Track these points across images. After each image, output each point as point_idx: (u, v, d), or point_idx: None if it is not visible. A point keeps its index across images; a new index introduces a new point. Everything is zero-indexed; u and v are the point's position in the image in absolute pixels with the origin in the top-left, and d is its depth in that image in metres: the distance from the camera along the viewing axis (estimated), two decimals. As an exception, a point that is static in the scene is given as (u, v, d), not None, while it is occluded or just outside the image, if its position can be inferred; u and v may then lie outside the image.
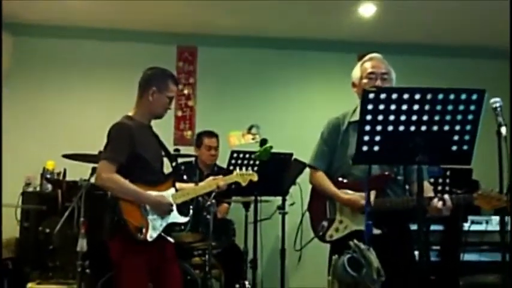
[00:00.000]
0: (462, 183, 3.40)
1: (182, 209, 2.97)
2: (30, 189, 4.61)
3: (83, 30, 5.30)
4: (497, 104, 2.40)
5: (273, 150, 3.78)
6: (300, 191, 4.58)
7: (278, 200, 4.46)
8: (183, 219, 2.95)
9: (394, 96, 2.13)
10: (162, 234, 2.81)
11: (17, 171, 4.56)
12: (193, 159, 4.64)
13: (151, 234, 2.75)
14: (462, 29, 5.20)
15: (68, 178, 4.49)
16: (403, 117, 2.15)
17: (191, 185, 3.09)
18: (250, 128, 3.99)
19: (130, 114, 2.93)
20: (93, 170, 3.65)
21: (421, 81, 5.40)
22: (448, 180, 3.48)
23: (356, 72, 2.78)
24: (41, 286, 3.55)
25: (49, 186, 4.45)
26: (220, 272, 4.22)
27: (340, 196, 2.67)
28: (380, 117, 2.15)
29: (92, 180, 3.23)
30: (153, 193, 2.83)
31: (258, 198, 3.92)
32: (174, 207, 2.89)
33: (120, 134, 2.79)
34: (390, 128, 2.16)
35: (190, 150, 4.86)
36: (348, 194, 2.65)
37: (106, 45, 5.35)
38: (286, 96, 5.57)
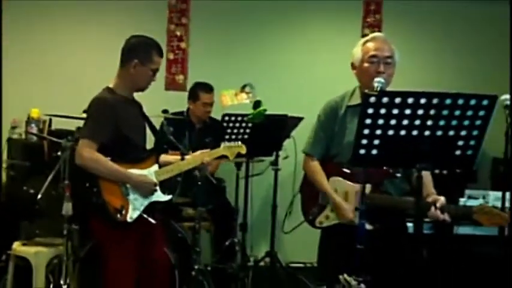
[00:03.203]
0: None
1: (168, 186, 2.86)
2: (16, 135, 4.45)
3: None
4: (508, 102, 2.21)
5: (268, 112, 3.63)
6: (294, 145, 4.48)
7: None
8: (166, 198, 2.85)
9: (398, 100, 1.94)
10: (144, 215, 2.71)
11: (4, 114, 4.39)
12: (184, 110, 4.45)
13: (131, 215, 2.66)
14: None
15: (56, 126, 4.34)
16: (405, 122, 1.98)
17: (176, 157, 2.96)
18: (243, 87, 3.80)
19: (111, 86, 2.75)
20: (78, 129, 3.53)
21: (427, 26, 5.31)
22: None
23: (357, 53, 2.56)
24: (27, 248, 3.50)
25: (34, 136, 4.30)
26: (210, 223, 4.21)
27: (332, 197, 2.56)
28: (380, 121, 1.97)
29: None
30: (135, 172, 2.71)
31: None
32: (157, 188, 2.77)
33: (101, 110, 2.63)
34: (391, 132, 1.99)
35: (182, 95, 4.68)
36: (341, 201, 2.54)
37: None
38: (288, 37, 5.25)
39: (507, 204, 2.66)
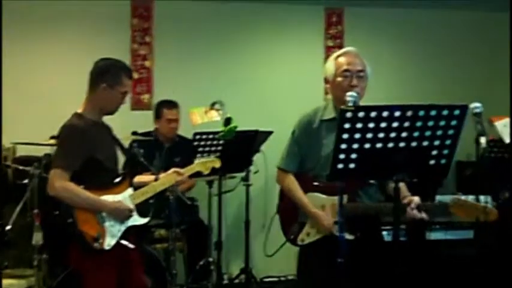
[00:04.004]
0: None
1: (141, 209, 2.82)
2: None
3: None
4: (478, 110, 2.27)
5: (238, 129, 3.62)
6: (264, 159, 4.51)
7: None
8: (143, 221, 2.80)
9: (373, 114, 1.99)
10: (121, 241, 2.66)
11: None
12: (152, 130, 4.40)
13: (108, 242, 2.61)
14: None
15: (21, 153, 4.21)
16: (381, 135, 2.02)
17: (150, 177, 2.91)
18: (213, 104, 3.80)
19: (79, 111, 2.70)
20: (46, 156, 3.45)
21: (389, 34, 5.41)
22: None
23: (330, 68, 2.59)
24: (-4, 281, 3.37)
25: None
26: (183, 244, 4.16)
27: (308, 210, 2.57)
28: (357, 136, 2.01)
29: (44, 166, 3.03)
30: (110, 198, 2.66)
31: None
32: (134, 212, 2.73)
33: (71, 138, 2.58)
34: (367, 145, 2.03)
35: (148, 115, 4.62)
36: (317, 211, 2.55)
37: (56, 1, 4.85)
38: (252, 51, 5.26)
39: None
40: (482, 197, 2.75)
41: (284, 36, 5.25)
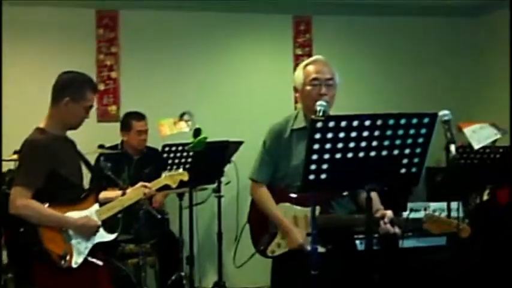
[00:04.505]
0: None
1: (110, 224, 2.74)
2: None
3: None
4: (446, 118, 2.28)
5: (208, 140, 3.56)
6: (236, 169, 4.45)
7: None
8: (110, 237, 2.73)
9: (343, 123, 1.96)
10: (89, 258, 2.57)
11: None
12: (118, 143, 4.31)
13: (76, 260, 2.54)
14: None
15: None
16: (351, 144, 1.99)
17: (117, 192, 2.84)
18: (182, 115, 3.73)
19: (42, 126, 2.61)
20: (9, 172, 3.33)
21: (357, 41, 5.42)
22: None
23: (298, 77, 2.57)
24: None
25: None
26: (154, 258, 4.06)
27: (280, 223, 2.53)
28: (328, 146, 1.98)
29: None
30: (75, 214, 2.58)
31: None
32: (101, 228, 2.64)
33: (33, 154, 2.49)
34: (338, 155, 2.00)
35: (115, 127, 4.53)
36: (291, 226, 2.51)
37: (16, 10, 4.72)
38: (220, 60, 5.20)
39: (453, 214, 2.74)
40: (453, 204, 2.77)
41: (253, 45, 5.23)
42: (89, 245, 2.61)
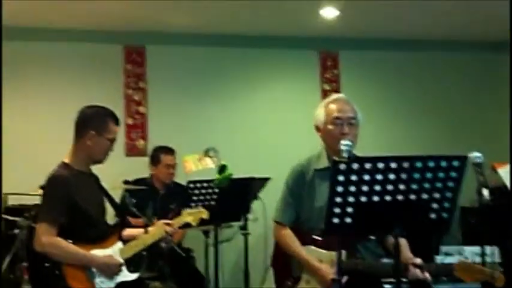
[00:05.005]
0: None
1: (134, 262, 2.70)
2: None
3: (21, 30, 4.77)
4: (478, 160, 2.18)
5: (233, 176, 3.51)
6: (263, 206, 4.37)
7: (240, 220, 4.21)
8: (133, 276, 2.68)
9: (368, 166, 1.89)
10: None
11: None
12: (147, 177, 4.32)
13: None
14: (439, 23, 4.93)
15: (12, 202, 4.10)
16: (377, 188, 1.92)
17: (139, 231, 2.81)
18: (207, 151, 3.69)
19: (66, 160, 2.61)
20: (35, 206, 3.34)
21: (386, 76, 5.37)
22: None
23: (320, 115, 2.52)
24: None
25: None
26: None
27: (308, 263, 2.44)
28: (352, 188, 1.91)
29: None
30: (99, 253, 2.55)
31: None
32: (124, 267, 2.61)
33: (57, 190, 2.49)
34: (363, 199, 1.92)
35: (143, 161, 4.55)
36: (319, 264, 2.42)
37: (44, 45, 4.84)
38: (246, 96, 5.21)
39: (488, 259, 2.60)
40: (488, 248, 2.63)
41: (279, 81, 5.23)
42: (112, 284, 2.57)
